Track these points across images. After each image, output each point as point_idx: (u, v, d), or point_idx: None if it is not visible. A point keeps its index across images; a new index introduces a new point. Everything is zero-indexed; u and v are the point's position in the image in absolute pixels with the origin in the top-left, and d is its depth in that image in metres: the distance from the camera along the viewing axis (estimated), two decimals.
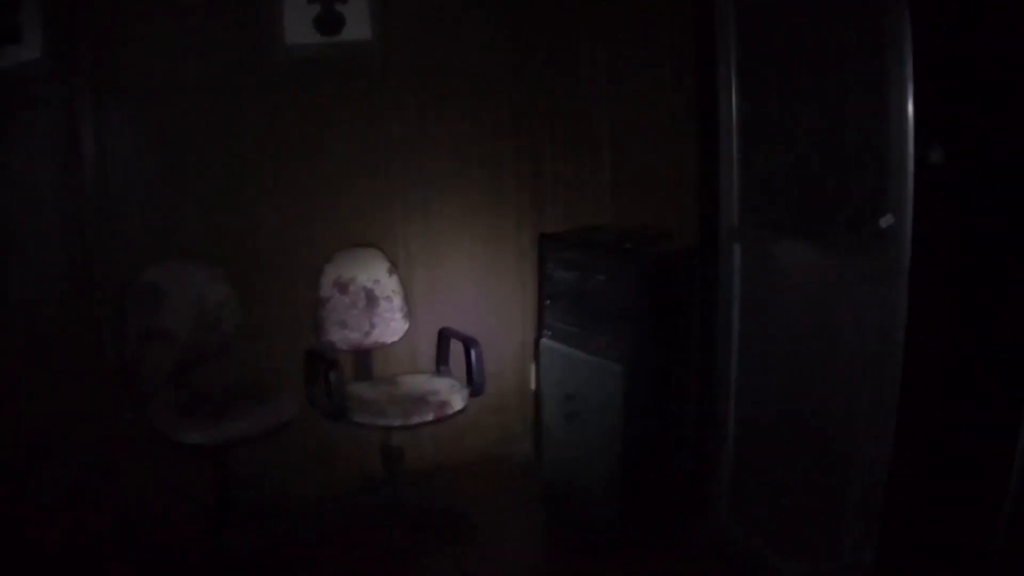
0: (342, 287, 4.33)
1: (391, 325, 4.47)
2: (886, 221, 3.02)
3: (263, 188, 4.32)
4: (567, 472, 4.32)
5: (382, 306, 4.44)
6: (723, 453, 3.93)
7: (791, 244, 3.55)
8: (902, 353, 3.06)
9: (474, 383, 4.27)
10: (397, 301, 4.48)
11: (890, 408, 3.11)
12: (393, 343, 4.50)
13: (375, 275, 4.44)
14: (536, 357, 4.44)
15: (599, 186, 4.61)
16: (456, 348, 4.46)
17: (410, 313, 4.55)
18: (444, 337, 4.52)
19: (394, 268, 4.49)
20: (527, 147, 4.93)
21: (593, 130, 4.61)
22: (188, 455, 3.80)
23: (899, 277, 3.00)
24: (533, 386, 4.65)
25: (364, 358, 4.46)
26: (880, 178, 3.05)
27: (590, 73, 4.60)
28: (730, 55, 3.67)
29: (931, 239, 3.03)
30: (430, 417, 4.05)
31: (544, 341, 4.36)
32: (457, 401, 4.16)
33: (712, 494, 3.99)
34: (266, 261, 4.35)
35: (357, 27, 4.32)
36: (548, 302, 4.34)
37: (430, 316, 4.71)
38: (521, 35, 4.84)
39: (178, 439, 3.68)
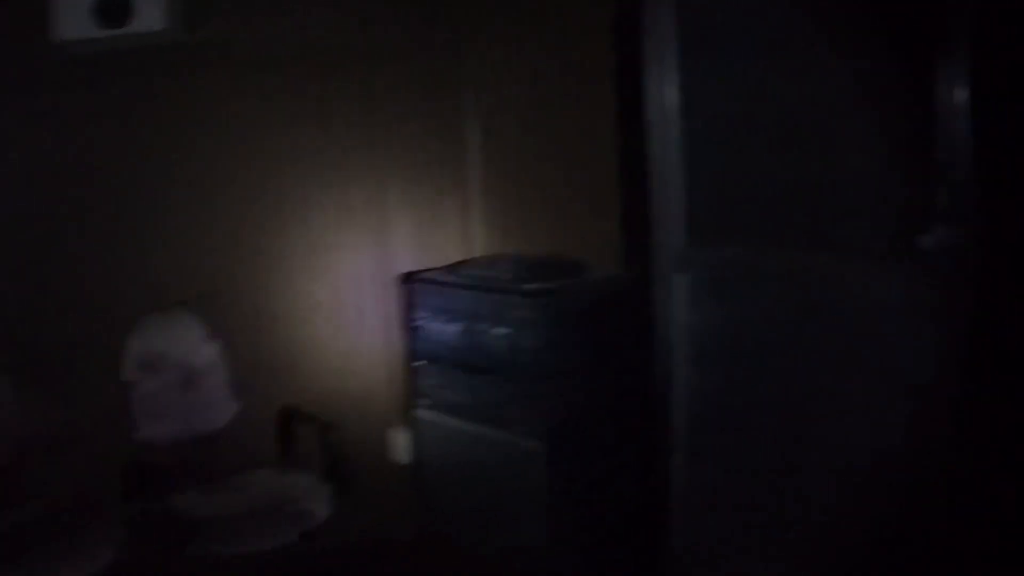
0: (150, 365, 3.23)
1: (216, 408, 3.39)
2: (935, 238, 2.29)
3: (46, 238, 3.13)
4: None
5: (203, 384, 3.36)
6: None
7: (778, 263, 2.75)
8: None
9: (337, 479, 3.28)
10: (220, 376, 3.41)
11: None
12: (220, 430, 3.41)
13: (190, 345, 3.35)
14: (410, 433, 3.49)
15: (466, 205, 3.69)
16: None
17: (240, 389, 3.49)
18: (287, 417, 3.47)
19: (214, 333, 3.42)
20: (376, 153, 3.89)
21: (459, 124, 3.67)
22: None
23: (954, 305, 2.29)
24: (406, 460, 3.67)
25: (187, 454, 3.34)
26: (928, 179, 2.32)
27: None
28: None
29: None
30: (294, 536, 3.02)
31: (421, 414, 3.42)
32: (321, 507, 3.15)
33: None
34: (58, 342, 3.17)
35: (149, 14, 3.22)
36: (422, 363, 3.41)
37: (264, 391, 3.64)
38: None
39: None
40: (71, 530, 2.85)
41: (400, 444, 3.82)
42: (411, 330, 3.44)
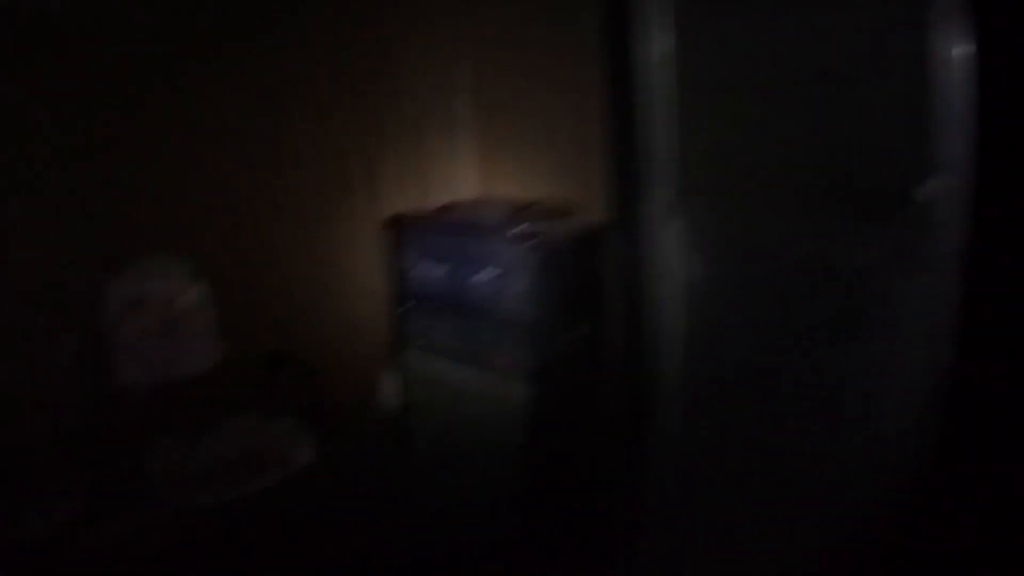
0: (132, 306, 3.16)
1: (198, 350, 3.31)
2: (931, 189, 2.20)
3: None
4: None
5: (185, 326, 3.28)
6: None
7: (768, 222, 2.63)
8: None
9: (321, 424, 3.22)
10: (204, 319, 3.33)
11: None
12: (204, 374, 3.34)
13: (172, 286, 3.27)
14: (397, 375, 3.44)
15: (454, 148, 3.60)
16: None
17: (224, 332, 3.41)
18: (272, 362, 3.42)
19: (199, 274, 3.34)
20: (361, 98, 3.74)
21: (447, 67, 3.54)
22: None
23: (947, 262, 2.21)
24: (393, 404, 3.61)
25: (165, 399, 3.29)
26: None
27: None
28: None
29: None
30: (275, 482, 2.97)
31: (409, 357, 3.36)
32: (303, 452, 3.10)
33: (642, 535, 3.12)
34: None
35: None
36: (410, 305, 3.34)
37: (249, 334, 3.56)
38: None
39: None
40: (33, 484, 2.79)
41: (387, 388, 3.77)
42: (399, 273, 3.38)
